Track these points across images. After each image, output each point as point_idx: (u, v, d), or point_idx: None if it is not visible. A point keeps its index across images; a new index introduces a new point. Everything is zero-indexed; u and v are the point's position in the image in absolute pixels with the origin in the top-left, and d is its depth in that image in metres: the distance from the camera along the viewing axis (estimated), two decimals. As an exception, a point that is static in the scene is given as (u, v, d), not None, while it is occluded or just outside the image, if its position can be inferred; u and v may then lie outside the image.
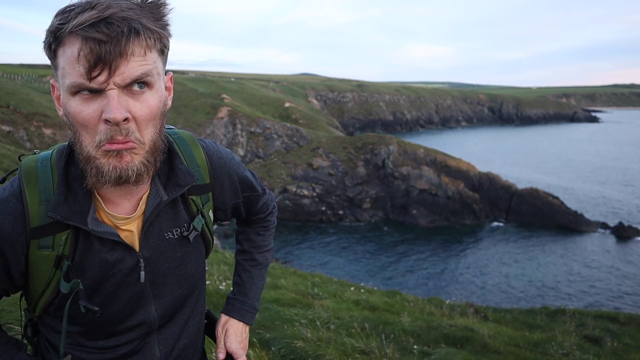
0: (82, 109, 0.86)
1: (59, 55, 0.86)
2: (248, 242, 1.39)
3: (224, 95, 45.28)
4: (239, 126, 38.08)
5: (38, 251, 0.95)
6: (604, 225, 29.29)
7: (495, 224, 30.48)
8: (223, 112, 39.39)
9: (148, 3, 0.91)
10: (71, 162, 0.97)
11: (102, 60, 0.82)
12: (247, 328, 1.36)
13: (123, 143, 0.88)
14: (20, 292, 1.07)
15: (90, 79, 0.83)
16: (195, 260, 1.12)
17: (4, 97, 27.61)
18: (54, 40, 0.86)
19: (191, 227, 1.08)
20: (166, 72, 1.00)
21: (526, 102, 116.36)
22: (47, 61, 0.92)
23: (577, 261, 24.12)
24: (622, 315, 8.97)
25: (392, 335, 4.62)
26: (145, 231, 1.02)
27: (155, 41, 0.89)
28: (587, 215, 30.11)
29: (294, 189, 31.22)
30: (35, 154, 1.08)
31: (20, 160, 1.04)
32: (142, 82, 0.88)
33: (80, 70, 0.83)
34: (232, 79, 68.13)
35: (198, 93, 44.83)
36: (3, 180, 1.05)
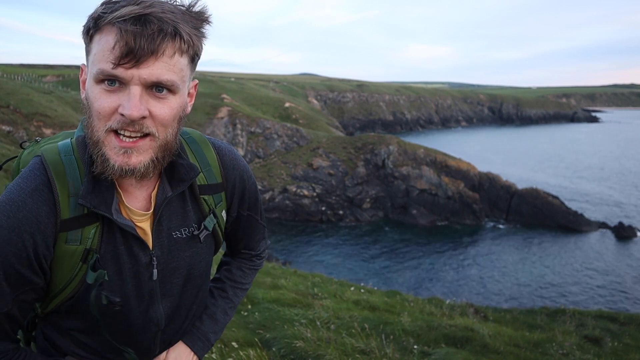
0: (102, 97, 0.88)
1: (94, 41, 0.89)
2: (227, 272, 1.32)
3: (224, 95, 45.28)
4: (239, 126, 38.08)
5: (65, 245, 0.93)
6: (604, 225, 29.30)
7: (495, 224, 30.48)
8: (223, 112, 39.40)
9: (192, 11, 0.93)
10: None
11: (133, 53, 0.85)
12: (195, 359, 1.21)
13: (133, 142, 0.90)
14: None
15: (117, 66, 0.85)
16: (203, 260, 1.12)
17: (4, 97, 27.59)
18: (94, 27, 0.88)
19: (202, 226, 1.08)
20: (193, 78, 1.03)
21: (526, 102, 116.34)
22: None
23: (577, 261, 24.12)
24: (622, 315, 8.96)
25: (392, 335, 4.62)
26: (155, 229, 1.02)
27: (188, 47, 0.91)
28: (587, 215, 30.11)
29: (294, 189, 31.22)
30: (37, 141, 1.08)
31: (23, 148, 1.03)
32: (165, 88, 0.90)
33: (110, 59, 0.85)
34: (232, 79, 68.13)
35: (198, 93, 44.50)
36: (0, 167, 1.05)
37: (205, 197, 1.10)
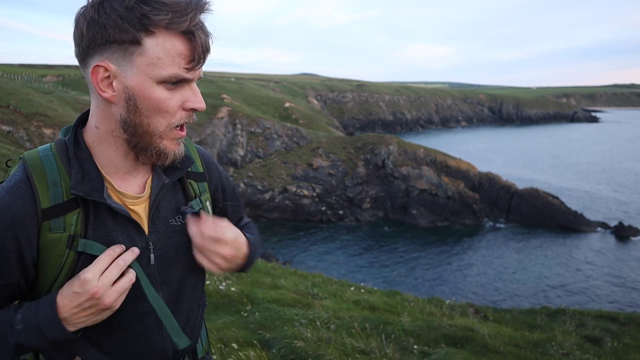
0: (168, 97, 0.96)
1: (148, 44, 0.91)
2: None
3: (224, 95, 45.28)
4: (239, 126, 38.08)
5: (50, 234, 0.95)
6: (604, 225, 29.29)
7: (495, 224, 30.48)
8: (223, 112, 39.39)
9: None
10: (77, 145, 1.01)
11: (204, 57, 0.96)
12: (244, 242, 1.13)
13: (184, 131, 1.02)
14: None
15: (189, 71, 0.95)
16: None
17: (4, 97, 27.59)
18: (145, 30, 0.91)
19: (188, 204, 1.11)
20: None
21: (526, 102, 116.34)
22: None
23: (577, 261, 24.12)
24: (622, 315, 8.96)
25: (392, 335, 4.62)
26: (152, 215, 1.06)
27: None
28: (587, 215, 30.11)
29: (294, 189, 31.23)
30: (20, 159, 1.09)
31: (8, 166, 1.06)
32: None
33: (182, 64, 0.93)
34: (232, 79, 68.16)
35: (198, 93, 44.73)
36: None
37: (191, 181, 1.15)
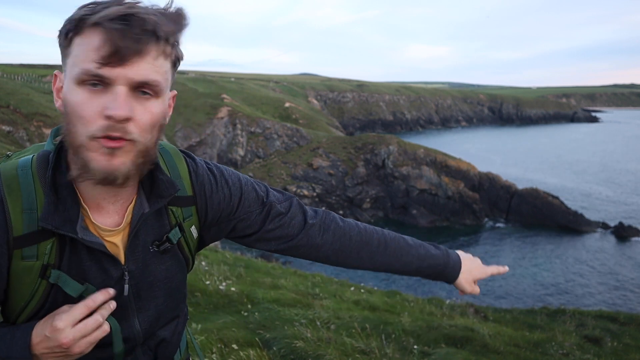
0: (85, 100, 0.84)
1: (74, 43, 0.86)
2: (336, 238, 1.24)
3: (224, 95, 45.31)
4: (239, 126, 38.10)
5: (22, 262, 0.91)
6: (604, 225, 29.31)
7: (495, 224, 30.48)
8: (223, 112, 39.42)
9: (170, 12, 0.90)
10: (58, 169, 0.94)
11: (119, 52, 0.82)
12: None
13: (118, 142, 0.85)
14: None
15: (102, 66, 0.82)
16: (179, 273, 1.10)
17: (4, 97, 27.60)
18: (74, 29, 0.85)
19: (164, 238, 1.04)
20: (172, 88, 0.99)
21: (526, 102, 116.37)
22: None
23: (577, 261, 24.13)
24: (622, 315, 8.95)
25: (392, 335, 4.62)
26: (131, 244, 0.99)
27: (171, 50, 0.90)
28: (587, 215, 30.12)
29: (294, 189, 31.24)
30: (8, 156, 1.05)
31: None
32: (150, 89, 0.87)
33: (94, 58, 0.82)
34: (232, 79, 68.17)
35: (198, 93, 44.86)
36: None
37: (173, 208, 1.05)
